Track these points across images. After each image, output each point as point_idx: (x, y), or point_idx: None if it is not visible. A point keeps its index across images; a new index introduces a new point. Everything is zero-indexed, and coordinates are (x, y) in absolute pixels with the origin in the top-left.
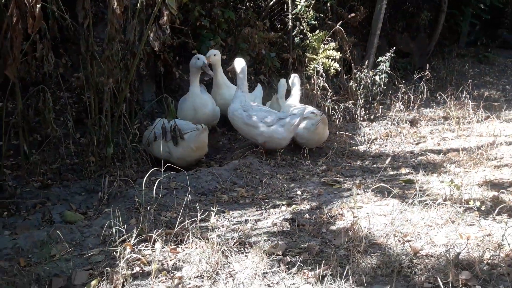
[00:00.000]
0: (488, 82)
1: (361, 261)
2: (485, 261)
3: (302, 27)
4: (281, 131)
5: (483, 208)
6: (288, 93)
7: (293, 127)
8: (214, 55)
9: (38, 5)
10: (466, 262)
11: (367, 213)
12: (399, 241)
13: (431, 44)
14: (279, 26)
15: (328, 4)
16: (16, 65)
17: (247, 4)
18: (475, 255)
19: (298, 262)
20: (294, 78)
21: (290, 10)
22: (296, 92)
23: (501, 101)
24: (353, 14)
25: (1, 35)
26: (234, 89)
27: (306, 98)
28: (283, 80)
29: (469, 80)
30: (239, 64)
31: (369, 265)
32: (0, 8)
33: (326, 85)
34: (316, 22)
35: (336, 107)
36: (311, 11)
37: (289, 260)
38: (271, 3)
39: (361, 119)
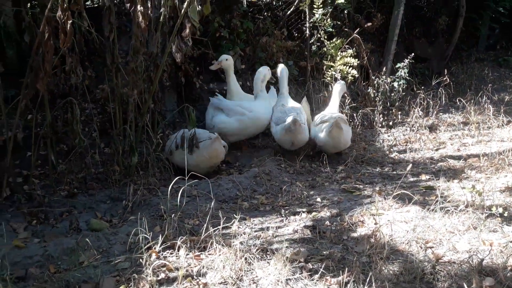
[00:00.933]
0: (509, 86)
1: (383, 268)
2: (509, 267)
3: (319, 35)
4: (277, 131)
5: (506, 214)
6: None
7: (285, 129)
8: (226, 59)
9: (70, 21)
10: (490, 269)
11: (388, 220)
12: (421, 247)
13: (449, 49)
14: (296, 34)
15: (345, 12)
16: (47, 78)
17: (265, 14)
18: (499, 262)
19: (321, 269)
20: (336, 85)
21: (307, 19)
22: (334, 100)
23: None
24: (369, 24)
25: (33, 50)
26: (246, 98)
27: (324, 106)
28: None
29: (489, 85)
30: (279, 68)
31: (391, 271)
32: (30, 24)
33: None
34: (333, 30)
35: (355, 114)
36: (328, 19)
37: (311, 267)
38: (289, 12)
39: (380, 125)
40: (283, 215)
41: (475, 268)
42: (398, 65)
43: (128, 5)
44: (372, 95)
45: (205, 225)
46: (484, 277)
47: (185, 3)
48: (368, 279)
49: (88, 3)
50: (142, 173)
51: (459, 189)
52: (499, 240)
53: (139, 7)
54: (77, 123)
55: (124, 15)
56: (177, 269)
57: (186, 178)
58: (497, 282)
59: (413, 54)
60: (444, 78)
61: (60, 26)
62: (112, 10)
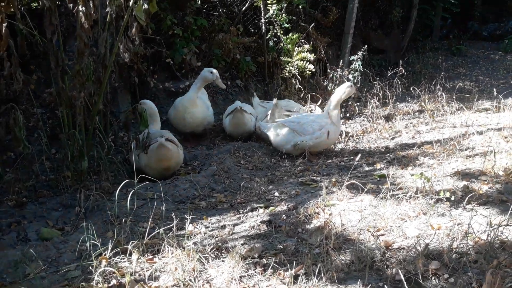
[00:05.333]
0: (462, 74)
1: (334, 258)
2: (454, 249)
3: (275, 30)
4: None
5: (452, 198)
6: None
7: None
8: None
9: (4, 24)
10: (437, 252)
11: (342, 210)
12: (373, 235)
13: (404, 40)
14: (253, 30)
15: (300, 7)
16: None
17: (220, 10)
18: (445, 245)
19: (272, 263)
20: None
21: (263, 15)
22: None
23: (475, 92)
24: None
25: None
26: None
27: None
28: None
29: (442, 73)
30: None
31: (343, 261)
32: None
33: (301, 86)
34: (289, 25)
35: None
36: (284, 15)
37: (265, 262)
38: (244, 8)
39: None
40: (240, 212)
41: (421, 252)
42: (353, 57)
43: (71, 5)
44: (329, 88)
45: (156, 228)
46: (430, 261)
47: (131, 1)
48: (317, 270)
49: (35, 4)
50: (95, 178)
51: (411, 176)
52: (446, 224)
53: (80, 7)
54: (20, 129)
55: (73, 15)
56: (130, 274)
57: (136, 181)
58: (443, 265)
59: (366, 46)
60: (399, 69)
61: None
62: (54, 11)
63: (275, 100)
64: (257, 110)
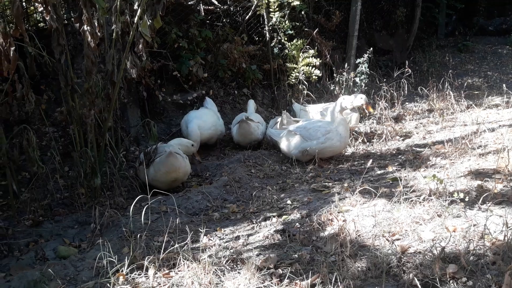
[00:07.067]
0: (470, 70)
1: (350, 266)
2: (471, 252)
3: (279, 37)
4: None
5: (467, 199)
6: None
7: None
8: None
9: (12, 48)
10: (453, 255)
11: (356, 215)
12: (388, 240)
13: (410, 39)
14: (257, 38)
15: (303, 12)
16: None
17: (224, 20)
18: (461, 247)
19: (288, 274)
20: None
21: (266, 22)
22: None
23: (484, 88)
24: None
25: None
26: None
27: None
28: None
29: (450, 71)
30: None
31: (359, 268)
32: None
33: (309, 92)
34: (292, 31)
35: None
36: (287, 21)
37: (281, 272)
38: (247, 17)
39: None
40: (254, 222)
41: (438, 256)
42: (359, 60)
43: (77, 25)
44: (336, 93)
45: (171, 242)
46: (448, 264)
47: (136, 18)
48: (334, 279)
49: (42, 24)
50: (108, 194)
51: (424, 178)
52: (462, 225)
53: (86, 27)
54: (34, 150)
55: (79, 34)
56: None
57: (149, 196)
58: (460, 268)
59: (375, 47)
60: (406, 69)
61: (3, 53)
62: (61, 32)
63: (283, 113)
64: (301, 114)
